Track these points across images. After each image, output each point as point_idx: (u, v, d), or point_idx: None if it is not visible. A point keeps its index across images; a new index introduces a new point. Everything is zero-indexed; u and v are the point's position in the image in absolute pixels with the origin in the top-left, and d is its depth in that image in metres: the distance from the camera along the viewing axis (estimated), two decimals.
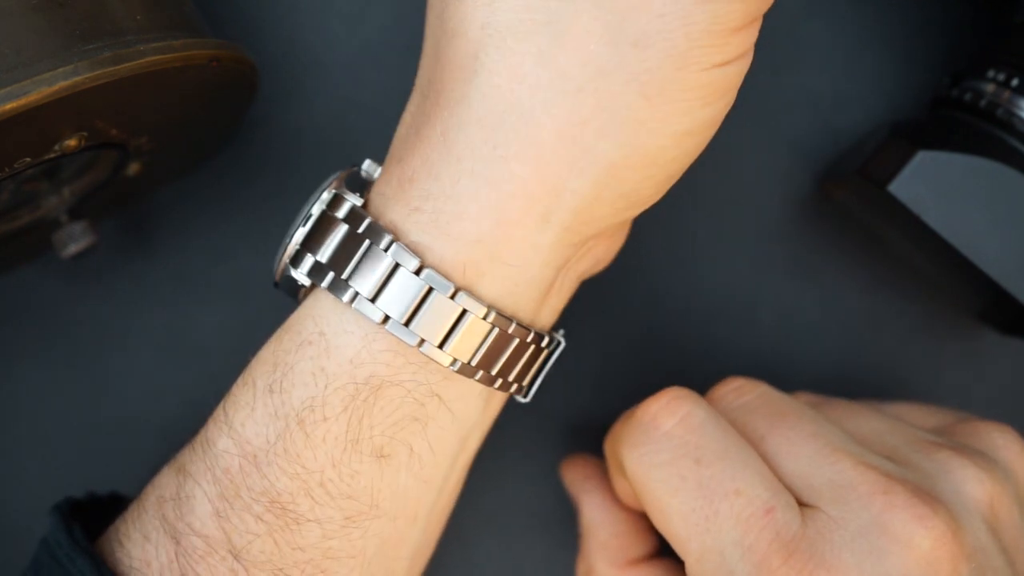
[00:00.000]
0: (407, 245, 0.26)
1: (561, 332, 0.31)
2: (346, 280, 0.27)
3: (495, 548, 0.38)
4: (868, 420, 0.31)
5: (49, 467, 0.39)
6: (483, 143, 0.26)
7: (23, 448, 0.39)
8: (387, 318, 0.26)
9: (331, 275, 0.27)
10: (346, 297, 0.27)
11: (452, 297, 0.26)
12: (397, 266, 0.26)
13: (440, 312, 0.26)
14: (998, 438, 0.30)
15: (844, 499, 0.27)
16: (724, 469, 0.28)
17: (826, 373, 0.38)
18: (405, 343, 0.27)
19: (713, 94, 0.26)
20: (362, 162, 0.29)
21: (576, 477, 0.35)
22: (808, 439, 0.29)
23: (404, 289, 0.26)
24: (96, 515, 0.30)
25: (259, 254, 0.38)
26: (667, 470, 0.29)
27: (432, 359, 0.27)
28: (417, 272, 0.26)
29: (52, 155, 0.28)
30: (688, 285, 0.38)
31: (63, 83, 0.25)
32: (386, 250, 0.26)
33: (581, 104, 0.25)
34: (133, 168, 0.34)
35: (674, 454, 0.29)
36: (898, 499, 0.27)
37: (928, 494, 0.27)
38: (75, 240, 0.34)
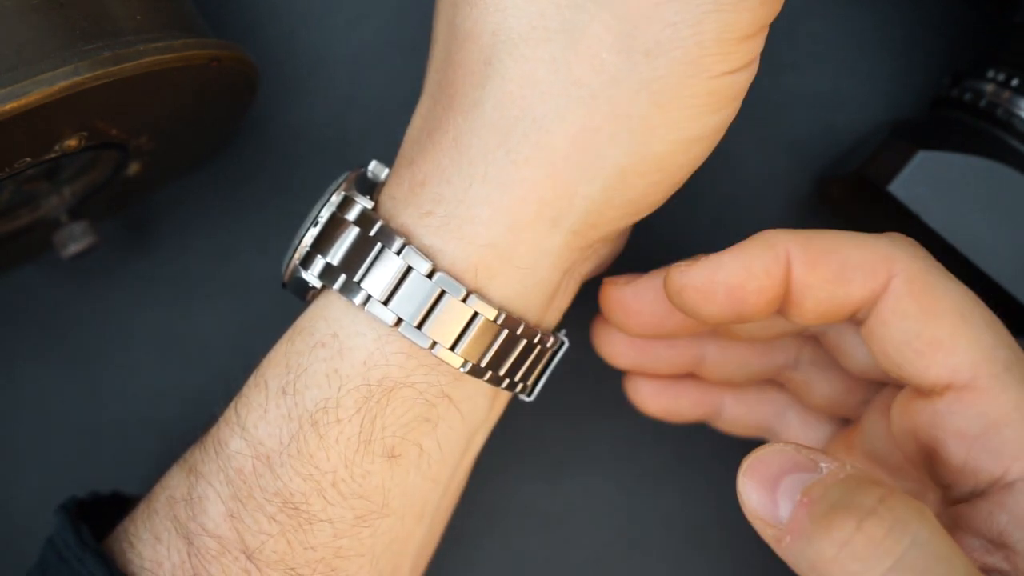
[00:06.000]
0: (419, 248, 0.27)
1: (563, 332, 0.31)
2: (358, 283, 0.27)
3: (495, 548, 0.38)
4: None
5: (49, 467, 0.39)
6: (496, 148, 0.26)
7: (23, 448, 0.39)
8: (399, 321, 0.27)
9: (343, 277, 0.27)
10: (358, 299, 0.27)
11: (464, 300, 0.27)
12: (410, 269, 0.27)
13: (452, 314, 0.27)
14: None
15: None
16: None
17: None
18: (417, 345, 0.27)
19: (721, 101, 0.26)
20: (368, 163, 0.29)
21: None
22: None
23: (417, 292, 0.26)
24: (100, 514, 0.30)
25: (259, 253, 0.38)
26: None
27: (444, 361, 0.27)
28: (430, 275, 0.27)
29: (52, 155, 0.28)
30: None
31: (63, 83, 0.25)
32: (398, 253, 0.27)
33: (594, 111, 0.26)
34: (133, 168, 0.34)
35: None
36: None
37: None
38: (75, 240, 0.34)
